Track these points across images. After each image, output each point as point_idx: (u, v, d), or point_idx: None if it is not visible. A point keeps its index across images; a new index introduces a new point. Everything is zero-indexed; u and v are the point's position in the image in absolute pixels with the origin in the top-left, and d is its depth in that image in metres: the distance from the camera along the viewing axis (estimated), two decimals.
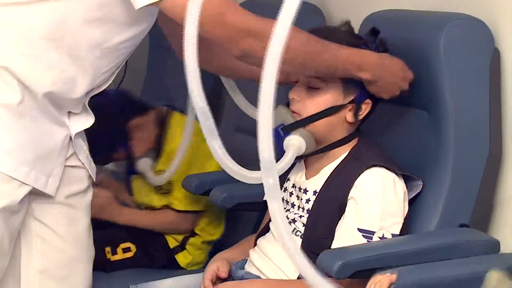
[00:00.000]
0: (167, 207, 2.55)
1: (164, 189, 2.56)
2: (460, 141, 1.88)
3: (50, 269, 1.85)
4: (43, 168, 1.75)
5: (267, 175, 1.44)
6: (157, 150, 2.55)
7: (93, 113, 1.85)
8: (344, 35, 1.89)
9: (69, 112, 1.81)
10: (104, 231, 2.53)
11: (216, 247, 2.58)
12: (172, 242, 2.56)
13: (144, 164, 2.53)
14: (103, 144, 2.43)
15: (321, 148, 1.90)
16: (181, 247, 2.55)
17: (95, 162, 2.37)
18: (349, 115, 1.88)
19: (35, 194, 1.78)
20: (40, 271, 1.84)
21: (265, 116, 1.43)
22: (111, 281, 2.46)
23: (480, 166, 1.89)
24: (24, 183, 1.72)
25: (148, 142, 2.54)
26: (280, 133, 1.87)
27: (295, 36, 1.54)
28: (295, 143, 1.85)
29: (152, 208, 2.61)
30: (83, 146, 1.87)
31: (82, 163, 1.87)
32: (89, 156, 1.90)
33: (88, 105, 1.84)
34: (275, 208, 1.46)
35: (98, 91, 1.84)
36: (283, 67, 1.46)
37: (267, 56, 1.43)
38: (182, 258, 2.55)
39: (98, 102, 2.45)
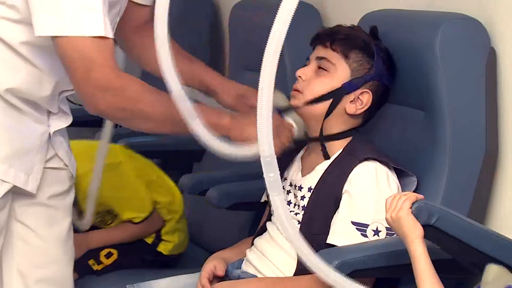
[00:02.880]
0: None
1: (109, 220, 2.56)
2: (456, 140, 1.88)
3: (31, 270, 1.85)
4: (22, 165, 1.76)
5: (268, 170, 1.48)
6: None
7: None
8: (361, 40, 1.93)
9: (49, 112, 1.82)
10: None
11: (198, 232, 2.62)
12: (148, 239, 2.56)
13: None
14: None
15: (315, 137, 1.92)
16: (158, 239, 2.56)
17: None
18: (349, 107, 1.90)
19: (17, 194, 1.78)
20: (21, 272, 1.84)
21: (264, 113, 1.45)
22: (105, 283, 2.46)
23: (476, 164, 1.90)
24: (4, 181, 1.73)
25: None
26: None
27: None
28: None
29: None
30: (62, 142, 1.87)
31: (64, 164, 1.87)
32: (69, 151, 1.90)
33: None
34: (277, 202, 1.51)
35: (71, 93, 1.85)
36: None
37: (265, 52, 1.45)
38: (164, 247, 2.56)
39: None
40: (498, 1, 1.92)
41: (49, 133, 1.82)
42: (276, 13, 1.47)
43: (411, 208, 1.58)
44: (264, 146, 1.48)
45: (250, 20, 2.67)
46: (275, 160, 1.49)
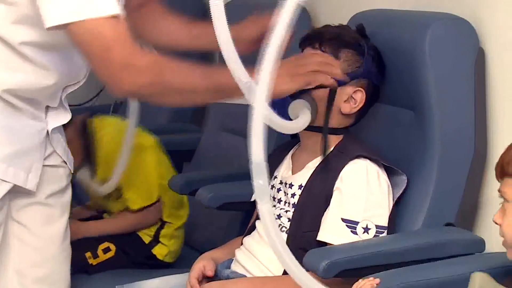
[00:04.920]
0: (126, 209, 2.56)
1: (114, 196, 2.57)
2: (445, 140, 1.89)
3: (28, 269, 1.85)
4: (22, 164, 1.75)
5: (257, 177, 1.47)
6: (89, 159, 2.55)
7: None
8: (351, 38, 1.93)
9: (47, 107, 1.81)
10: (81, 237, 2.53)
11: (188, 232, 2.61)
12: (146, 238, 2.56)
13: (82, 176, 2.53)
14: None
15: (317, 126, 1.90)
16: (155, 240, 2.56)
17: None
18: (344, 106, 1.90)
19: (14, 193, 1.77)
20: (17, 271, 1.84)
21: (257, 119, 1.45)
22: (95, 283, 2.45)
23: (465, 165, 1.90)
24: (4, 180, 1.73)
25: (78, 154, 2.50)
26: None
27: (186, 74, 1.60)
28: (305, 109, 1.84)
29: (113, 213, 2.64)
30: (60, 139, 1.87)
31: (63, 161, 1.86)
32: (67, 148, 1.90)
33: None
34: (264, 210, 1.50)
35: (76, 87, 1.84)
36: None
37: (261, 62, 1.45)
38: (159, 251, 2.56)
39: None
40: (486, 1, 1.93)
41: (47, 131, 1.81)
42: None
43: None
44: (256, 152, 1.48)
45: (239, 19, 2.67)
46: (265, 167, 1.48)
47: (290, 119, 1.84)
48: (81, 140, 2.56)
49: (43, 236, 1.86)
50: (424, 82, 1.89)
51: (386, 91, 1.99)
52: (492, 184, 1.94)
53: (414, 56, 1.91)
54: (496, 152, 1.93)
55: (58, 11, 1.59)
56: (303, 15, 2.55)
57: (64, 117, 1.85)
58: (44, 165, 1.81)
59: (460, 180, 1.91)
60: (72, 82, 1.81)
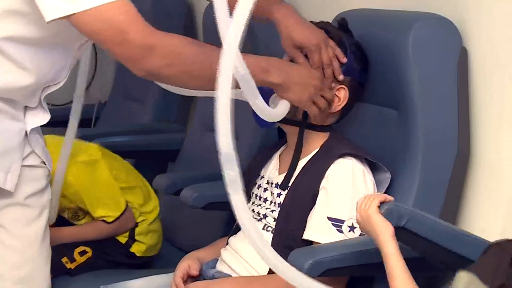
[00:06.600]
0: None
1: (82, 215, 2.56)
2: (428, 139, 1.89)
3: (8, 271, 1.84)
4: (1, 164, 1.74)
5: (227, 167, 1.43)
6: None
7: None
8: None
9: (26, 107, 1.80)
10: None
11: (172, 232, 2.61)
12: (122, 239, 2.55)
13: None
14: None
15: (297, 121, 1.91)
16: (132, 239, 2.56)
17: None
18: None
19: None
20: None
21: (223, 109, 1.43)
22: (79, 284, 2.44)
23: (448, 164, 1.91)
24: None
25: None
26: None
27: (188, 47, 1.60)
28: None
29: None
30: (38, 139, 1.85)
31: (42, 161, 1.85)
32: (45, 148, 1.88)
33: None
34: (236, 201, 1.46)
35: (55, 88, 1.83)
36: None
37: (223, 49, 1.44)
38: (137, 248, 2.56)
39: None
40: (469, 1, 1.94)
41: (26, 131, 1.80)
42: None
43: (379, 207, 1.59)
44: (224, 142, 1.44)
45: None
46: (235, 157, 1.44)
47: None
48: None
49: (23, 237, 1.84)
50: (408, 82, 1.90)
51: (369, 91, 1.99)
52: (474, 184, 1.96)
53: (397, 56, 1.91)
54: (479, 151, 1.94)
55: (59, 3, 1.57)
56: None
57: (43, 117, 1.84)
58: (22, 165, 1.80)
59: (443, 179, 1.91)
60: (52, 82, 1.80)
